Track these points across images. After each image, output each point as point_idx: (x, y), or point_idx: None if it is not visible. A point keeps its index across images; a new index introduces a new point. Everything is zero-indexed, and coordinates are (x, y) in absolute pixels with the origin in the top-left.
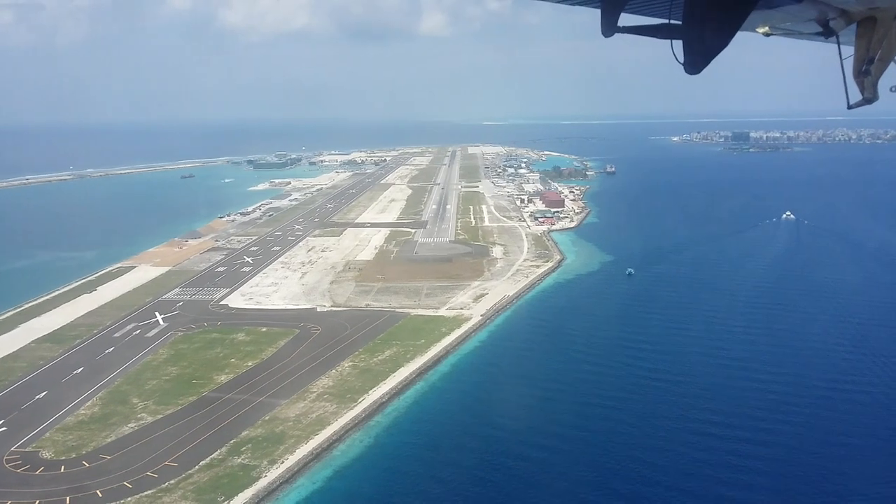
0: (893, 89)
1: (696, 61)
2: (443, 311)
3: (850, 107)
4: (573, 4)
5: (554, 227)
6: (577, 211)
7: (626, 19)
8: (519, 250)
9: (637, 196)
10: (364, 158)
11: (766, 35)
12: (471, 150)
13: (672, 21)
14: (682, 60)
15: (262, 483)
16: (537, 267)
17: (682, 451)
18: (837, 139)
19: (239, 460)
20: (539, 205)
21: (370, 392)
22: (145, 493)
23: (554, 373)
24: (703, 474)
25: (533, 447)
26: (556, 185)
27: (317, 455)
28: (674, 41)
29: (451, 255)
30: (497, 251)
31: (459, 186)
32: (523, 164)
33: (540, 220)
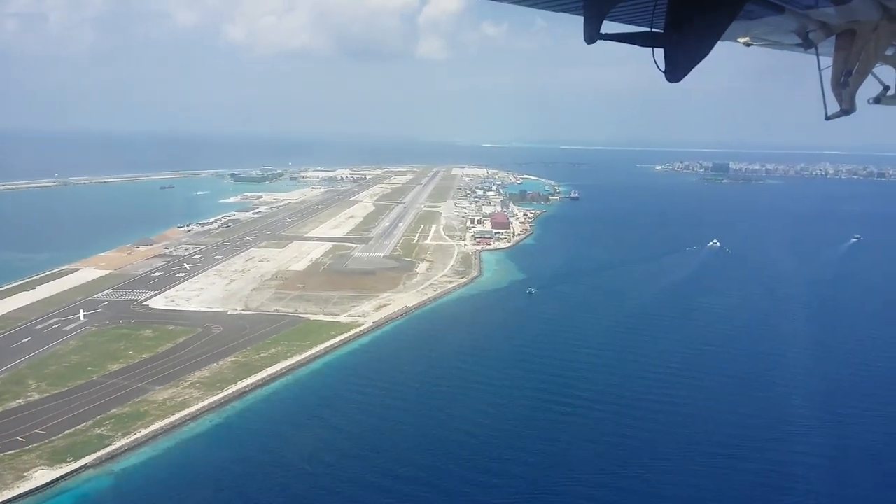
0: (871, 101)
1: (677, 70)
2: (341, 318)
3: (827, 118)
4: (556, 10)
5: (488, 247)
6: (518, 233)
7: (609, 27)
8: (443, 267)
9: (585, 221)
10: (346, 176)
11: (747, 45)
12: (454, 171)
13: (654, 29)
14: (663, 69)
15: (109, 448)
16: (450, 282)
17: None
18: (814, 173)
19: (98, 431)
20: (487, 225)
21: (238, 383)
22: (8, 452)
23: (412, 375)
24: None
25: (365, 448)
26: (514, 207)
27: (166, 430)
28: (655, 49)
29: (377, 268)
30: (422, 267)
31: (422, 206)
32: (494, 188)
33: (478, 239)
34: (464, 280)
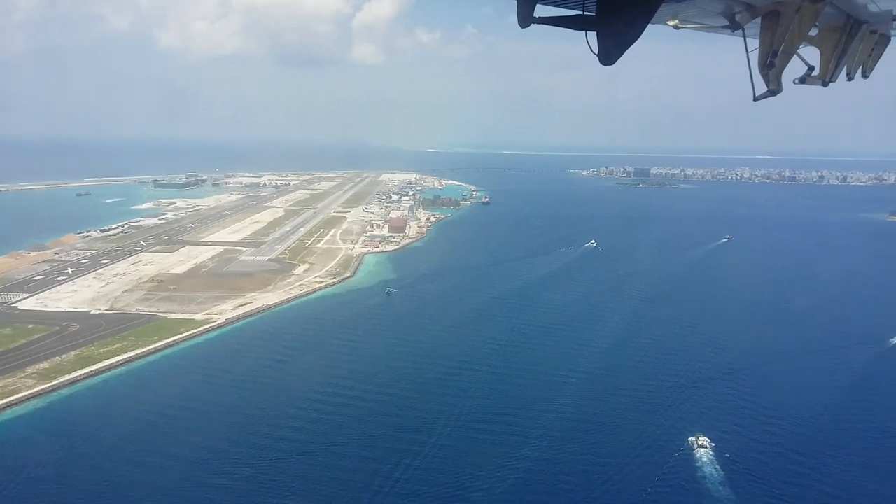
0: (796, 81)
1: (609, 52)
2: (198, 316)
3: (755, 98)
4: None
5: (375, 250)
6: (411, 236)
7: (542, 11)
8: (321, 269)
9: (483, 224)
10: (270, 182)
11: (676, 28)
12: (383, 176)
13: (586, 12)
14: (596, 51)
15: None
16: (320, 283)
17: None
18: (730, 177)
19: None
20: (385, 230)
21: (73, 373)
22: None
23: (243, 365)
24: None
25: (184, 432)
26: (421, 211)
27: None
28: (588, 33)
29: (256, 271)
30: (300, 269)
31: (331, 211)
32: (411, 193)
33: (367, 243)
34: (334, 281)
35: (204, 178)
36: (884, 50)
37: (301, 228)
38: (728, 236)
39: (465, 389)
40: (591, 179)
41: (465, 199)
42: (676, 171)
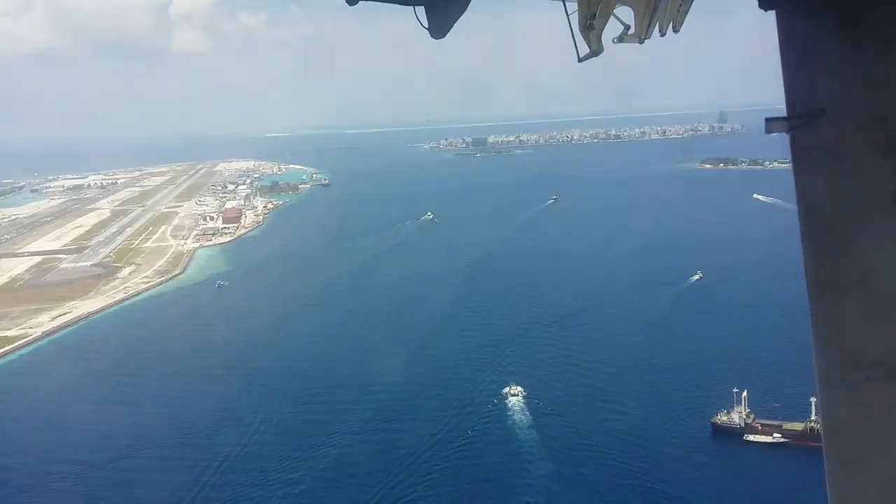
0: (615, 41)
1: (440, 25)
2: (11, 332)
3: (579, 60)
4: None
5: (208, 244)
6: (247, 226)
7: None
8: (148, 268)
9: (322, 207)
10: (97, 182)
11: None
12: (219, 166)
13: None
14: (426, 25)
15: None
16: (146, 283)
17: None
18: (561, 140)
19: None
20: (219, 221)
21: None
22: None
23: (52, 381)
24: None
25: None
26: (259, 199)
27: None
28: (416, 7)
29: (77, 278)
30: (126, 271)
31: (162, 208)
32: (248, 181)
33: (198, 237)
34: (162, 279)
35: (21, 184)
36: (690, 4)
37: (128, 229)
38: (554, 197)
39: (288, 377)
40: (432, 153)
41: (305, 183)
42: (512, 138)
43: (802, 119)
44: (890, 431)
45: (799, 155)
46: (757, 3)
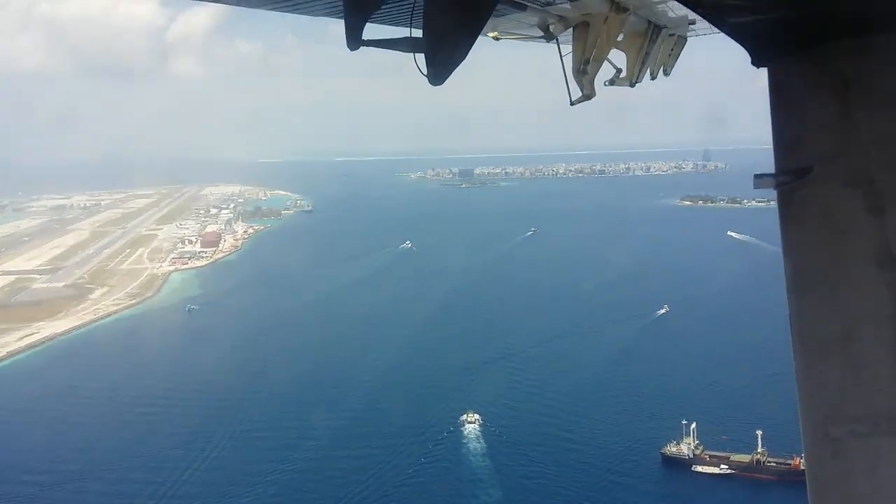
0: (607, 84)
1: (438, 73)
2: None
3: (572, 103)
4: (315, 15)
5: (184, 267)
6: (225, 251)
7: (372, 31)
8: (120, 290)
9: (303, 233)
10: (80, 203)
11: (496, 39)
12: (206, 190)
13: (414, 33)
14: (425, 72)
15: None
16: (118, 305)
17: None
18: (547, 174)
19: None
20: (197, 245)
21: None
22: None
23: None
24: None
25: None
26: (240, 224)
27: None
28: (417, 54)
29: (49, 298)
30: (98, 293)
31: (143, 230)
32: (231, 206)
33: (174, 260)
34: (134, 302)
35: (4, 203)
36: (681, 50)
37: (105, 250)
38: (533, 229)
39: (247, 401)
40: (418, 182)
41: (288, 209)
42: (498, 170)
43: (790, 176)
44: (873, 486)
45: (786, 211)
46: (750, 60)
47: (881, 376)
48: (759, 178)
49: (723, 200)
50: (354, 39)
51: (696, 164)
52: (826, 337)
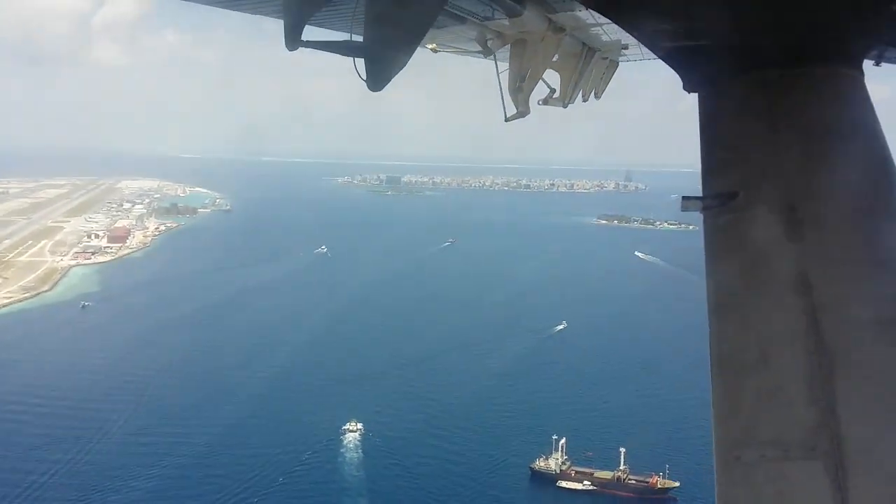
0: (540, 102)
1: (377, 79)
2: None
3: (507, 119)
4: (254, 14)
5: (86, 262)
6: (133, 247)
7: (312, 33)
8: (14, 283)
9: (218, 233)
10: None
11: (434, 51)
12: (122, 183)
13: (354, 38)
14: (364, 78)
15: None
16: (8, 298)
17: None
18: (474, 185)
19: None
20: (103, 240)
21: None
22: None
23: None
24: None
25: None
26: (152, 220)
27: None
28: (356, 59)
29: None
30: None
31: (48, 222)
32: (145, 201)
33: (78, 254)
34: (27, 295)
35: None
36: (613, 73)
37: (7, 241)
38: (451, 240)
39: (120, 406)
40: (344, 187)
41: (206, 207)
42: (426, 179)
43: (716, 200)
44: None
45: (710, 234)
46: (682, 85)
47: (794, 402)
48: (687, 201)
49: (637, 221)
50: (293, 39)
51: (618, 184)
52: (742, 361)
